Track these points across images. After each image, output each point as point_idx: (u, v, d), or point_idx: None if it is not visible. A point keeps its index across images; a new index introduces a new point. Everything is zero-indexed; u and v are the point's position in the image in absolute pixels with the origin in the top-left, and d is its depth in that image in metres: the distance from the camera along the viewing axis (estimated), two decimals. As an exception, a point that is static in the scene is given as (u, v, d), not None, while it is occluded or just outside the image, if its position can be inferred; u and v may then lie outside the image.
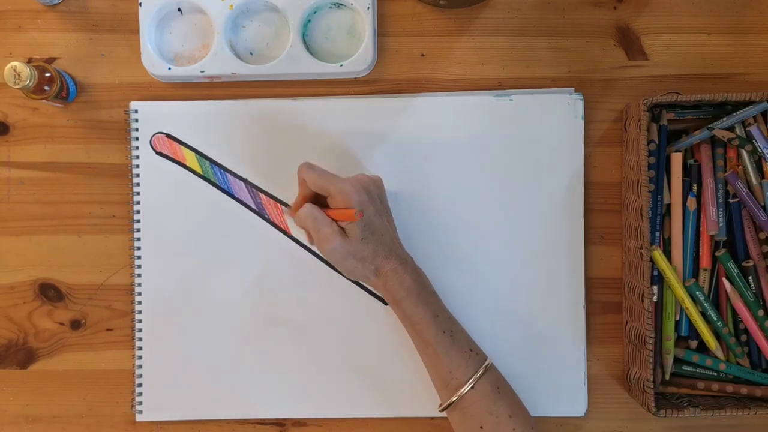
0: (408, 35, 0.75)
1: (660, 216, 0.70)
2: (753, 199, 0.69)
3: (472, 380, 0.65)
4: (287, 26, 0.74)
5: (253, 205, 0.75)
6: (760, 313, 0.69)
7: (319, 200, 0.68)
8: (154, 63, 0.74)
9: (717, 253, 0.70)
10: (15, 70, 0.67)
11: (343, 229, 0.66)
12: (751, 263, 0.70)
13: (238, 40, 0.75)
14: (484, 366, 0.66)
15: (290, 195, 0.74)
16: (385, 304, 0.74)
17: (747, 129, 0.69)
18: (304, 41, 0.74)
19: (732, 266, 0.70)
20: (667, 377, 0.71)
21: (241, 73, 0.74)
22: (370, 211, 0.66)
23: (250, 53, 0.75)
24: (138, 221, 0.74)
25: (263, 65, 0.74)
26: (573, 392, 0.74)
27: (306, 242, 0.74)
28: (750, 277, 0.70)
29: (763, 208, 0.69)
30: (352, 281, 0.74)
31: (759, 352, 0.71)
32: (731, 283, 0.70)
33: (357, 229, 0.65)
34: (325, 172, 0.67)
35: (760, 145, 0.68)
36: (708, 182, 0.70)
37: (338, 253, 0.66)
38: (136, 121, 0.75)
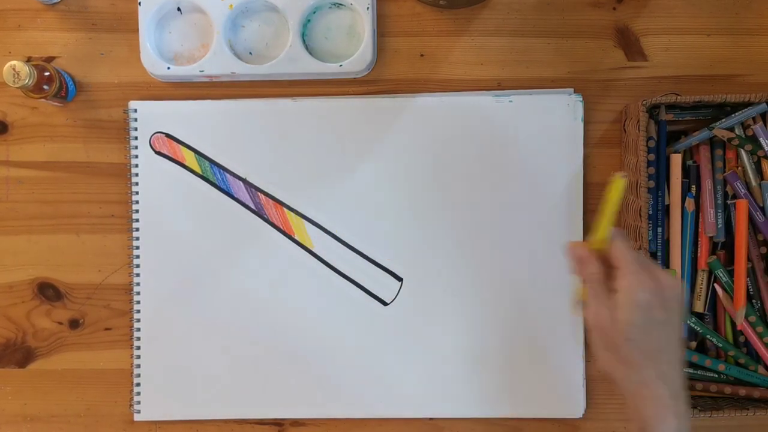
0: (408, 35, 0.75)
1: (661, 212, 0.70)
2: (752, 200, 0.69)
3: None
4: (287, 26, 0.74)
5: (252, 205, 0.74)
6: (752, 319, 0.70)
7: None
8: (154, 62, 0.74)
9: (708, 260, 0.70)
10: (14, 69, 0.66)
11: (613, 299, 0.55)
12: (749, 265, 0.70)
13: (238, 39, 0.75)
14: None
15: (290, 195, 0.74)
16: (385, 304, 0.74)
17: (751, 127, 0.69)
18: (304, 41, 0.74)
19: (722, 273, 0.70)
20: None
21: (240, 73, 0.74)
22: (659, 314, 0.55)
23: (250, 53, 0.75)
24: (137, 221, 0.74)
25: (263, 65, 0.74)
26: (571, 393, 0.74)
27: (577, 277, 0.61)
28: (748, 279, 0.70)
29: (762, 209, 0.69)
30: (352, 281, 0.74)
31: (758, 353, 0.71)
32: (723, 288, 0.70)
33: (632, 315, 0.54)
34: (638, 252, 0.57)
35: (766, 143, 0.68)
36: (706, 183, 0.70)
37: (602, 335, 0.55)
38: (136, 120, 0.74)
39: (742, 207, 0.69)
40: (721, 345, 0.71)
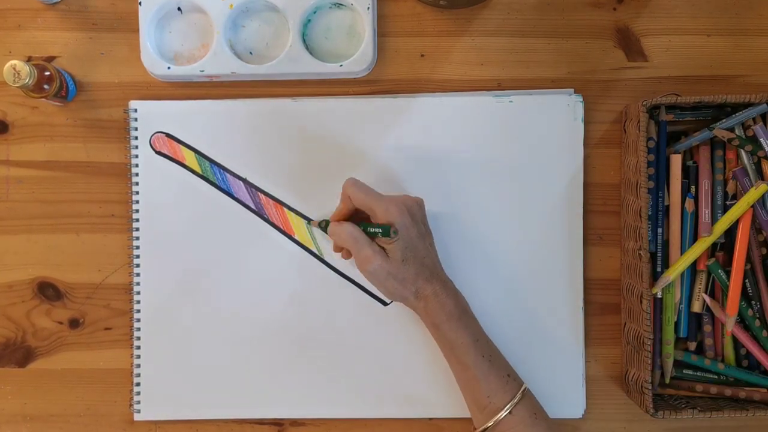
0: (408, 35, 0.75)
1: (661, 213, 0.70)
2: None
3: (509, 405, 0.65)
4: (287, 26, 0.74)
5: (252, 205, 0.74)
6: (757, 324, 0.70)
7: (357, 216, 0.69)
8: (154, 62, 0.74)
9: (707, 263, 0.70)
10: (14, 69, 0.66)
11: (383, 249, 0.66)
12: (747, 267, 0.70)
13: (238, 39, 0.75)
14: (521, 391, 0.66)
15: (290, 195, 0.74)
16: (385, 304, 0.74)
17: (751, 128, 0.69)
18: (304, 41, 0.74)
19: (721, 274, 0.70)
20: (667, 381, 0.71)
21: (240, 73, 0.74)
22: (413, 233, 0.66)
23: (250, 53, 0.75)
24: (137, 220, 0.74)
25: (263, 65, 0.74)
26: (571, 393, 0.74)
27: (334, 255, 0.74)
28: (747, 280, 0.70)
29: (764, 209, 0.69)
30: (350, 280, 0.74)
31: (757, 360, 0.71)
32: (723, 289, 0.70)
33: (398, 250, 0.65)
34: (371, 190, 0.67)
35: (766, 143, 0.68)
36: (703, 184, 0.70)
37: (379, 274, 0.65)
38: (136, 120, 0.74)
39: (745, 215, 0.69)
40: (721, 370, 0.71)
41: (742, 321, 0.71)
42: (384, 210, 0.65)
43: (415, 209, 0.67)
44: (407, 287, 0.66)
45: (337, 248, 0.72)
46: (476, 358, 0.66)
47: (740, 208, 0.68)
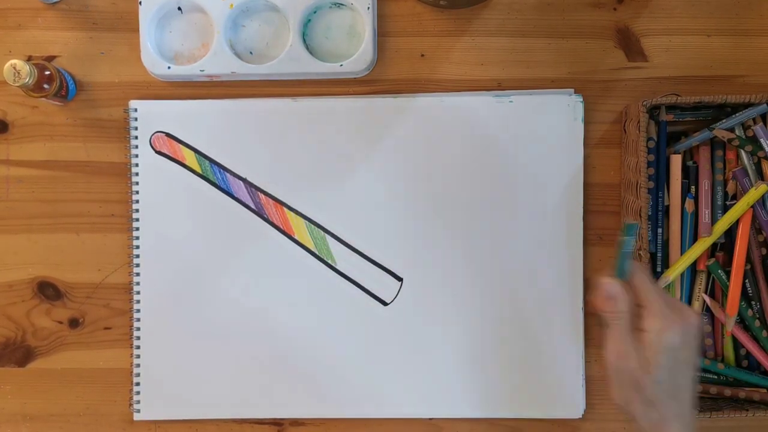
0: (408, 35, 0.75)
1: (661, 213, 0.70)
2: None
3: None
4: (287, 26, 0.74)
5: (252, 205, 0.74)
6: (757, 324, 0.70)
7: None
8: (154, 62, 0.74)
9: (707, 263, 0.70)
10: (14, 68, 0.66)
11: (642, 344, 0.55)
12: (747, 267, 0.70)
13: (238, 39, 0.75)
14: None
15: (290, 195, 0.74)
16: (385, 304, 0.74)
17: (751, 128, 0.69)
18: (304, 41, 0.74)
19: (721, 274, 0.70)
20: (666, 379, 0.71)
21: (240, 73, 0.74)
22: (685, 356, 0.55)
23: (250, 53, 0.75)
24: (137, 220, 0.74)
25: (263, 65, 0.74)
26: (571, 394, 0.74)
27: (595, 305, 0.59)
28: (747, 280, 0.70)
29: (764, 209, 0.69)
30: (352, 281, 0.74)
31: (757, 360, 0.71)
32: (722, 290, 0.70)
33: (662, 357, 0.54)
34: (657, 285, 0.57)
35: (766, 144, 0.68)
36: (703, 184, 0.70)
37: (623, 374, 0.55)
38: (136, 119, 0.74)
39: (745, 215, 0.69)
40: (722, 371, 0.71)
41: (741, 321, 0.71)
42: (662, 316, 0.54)
43: (696, 333, 0.56)
44: (644, 408, 0.55)
45: (606, 303, 0.57)
46: None
47: (740, 208, 0.68)
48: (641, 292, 0.55)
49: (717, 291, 0.71)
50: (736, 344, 0.71)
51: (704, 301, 0.71)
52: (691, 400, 0.56)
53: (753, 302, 0.70)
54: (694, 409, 0.56)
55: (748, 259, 0.70)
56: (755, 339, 0.70)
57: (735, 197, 0.70)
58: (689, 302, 0.71)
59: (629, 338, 0.55)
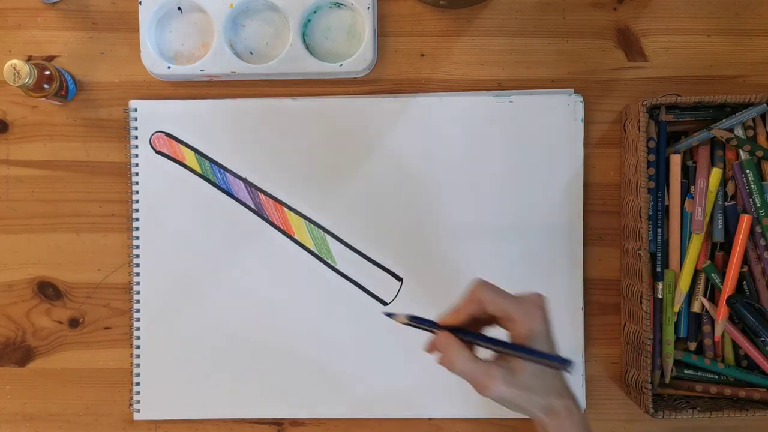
0: (408, 35, 0.75)
1: (661, 213, 0.70)
2: (750, 202, 0.69)
3: None
4: (287, 26, 0.74)
5: (252, 205, 0.74)
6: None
7: (473, 322, 0.59)
8: (154, 62, 0.74)
9: (703, 265, 0.70)
10: (14, 68, 0.66)
11: (505, 360, 0.57)
12: (745, 269, 0.70)
13: (238, 39, 0.75)
14: None
15: (290, 195, 0.74)
16: (385, 304, 0.74)
17: (752, 128, 0.69)
18: (304, 41, 0.74)
19: (715, 277, 0.70)
20: (667, 381, 0.71)
21: (240, 73, 0.74)
22: (550, 341, 0.58)
23: (250, 52, 0.75)
24: (137, 220, 0.74)
25: (263, 64, 0.74)
26: (571, 393, 0.74)
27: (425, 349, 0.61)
28: (744, 282, 0.70)
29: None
30: (352, 281, 0.74)
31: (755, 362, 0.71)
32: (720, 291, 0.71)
33: (532, 365, 0.56)
34: (505, 292, 0.58)
35: None
36: (700, 182, 0.70)
37: (505, 397, 0.56)
38: (136, 119, 0.74)
39: (744, 222, 0.69)
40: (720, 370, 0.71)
41: (740, 322, 0.70)
42: (523, 315, 0.56)
43: (545, 308, 0.58)
44: (535, 403, 0.57)
45: (432, 348, 0.60)
46: None
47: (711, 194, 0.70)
48: (496, 307, 0.57)
49: (716, 292, 0.71)
50: (736, 344, 0.71)
51: (706, 288, 0.71)
52: (563, 379, 0.59)
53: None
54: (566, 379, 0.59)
55: (746, 261, 0.70)
56: (752, 341, 0.70)
57: (734, 197, 0.70)
58: (689, 302, 0.71)
59: (481, 371, 0.56)
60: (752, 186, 0.69)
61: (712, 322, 0.71)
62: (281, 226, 0.75)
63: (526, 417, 0.58)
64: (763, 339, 0.69)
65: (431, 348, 0.59)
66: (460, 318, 0.58)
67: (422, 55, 0.75)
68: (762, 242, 0.69)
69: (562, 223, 0.74)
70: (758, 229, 0.69)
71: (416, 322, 0.59)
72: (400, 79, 0.75)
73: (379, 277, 0.74)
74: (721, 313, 0.70)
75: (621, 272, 0.75)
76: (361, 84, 0.75)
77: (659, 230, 0.70)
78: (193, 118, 0.74)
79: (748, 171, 0.69)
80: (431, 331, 0.59)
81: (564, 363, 0.56)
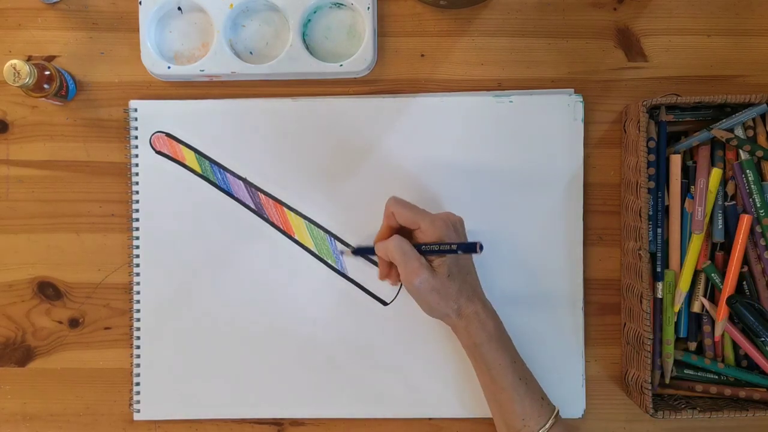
0: (408, 35, 0.75)
1: (661, 213, 0.70)
2: (749, 202, 0.69)
3: (544, 428, 0.65)
4: (287, 26, 0.74)
5: (252, 205, 0.74)
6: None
7: (402, 234, 0.68)
8: (154, 62, 0.74)
9: (703, 265, 0.70)
10: (14, 68, 0.66)
11: (430, 264, 0.65)
12: (744, 269, 0.70)
13: (238, 39, 0.75)
14: (554, 415, 0.66)
15: (290, 195, 0.74)
16: (385, 304, 0.74)
17: (752, 128, 0.69)
18: (304, 41, 0.74)
19: (715, 278, 0.70)
20: (667, 381, 0.71)
21: (240, 73, 0.74)
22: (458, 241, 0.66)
23: (250, 52, 0.75)
24: (137, 220, 0.74)
25: (263, 65, 0.74)
26: (571, 393, 0.74)
27: (379, 282, 0.73)
28: (744, 282, 0.70)
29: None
30: (352, 281, 0.74)
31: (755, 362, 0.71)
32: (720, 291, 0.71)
33: (445, 265, 0.65)
34: (415, 206, 0.67)
35: None
36: (700, 182, 0.70)
37: (424, 288, 0.65)
38: (136, 119, 0.74)
39: (744, 222, 0.69)
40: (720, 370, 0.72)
41: (740, 322, 0.70)
42: (430, 224, 0.65)
43: (458, 226, 0.68)
44: (449, 304, 0.66)
45: (384, 273, 0.70)
46: (513, 380, 0.66)
47: (711, 193, 0.70)
48: (405, 218, 0.66)
49: (716, 292, 0.71)
50: (736, 344, 0.71)
51: (706, 288, 0.71)
52: (477, 281, 0.69)
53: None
54: (478, 280, 0.69)
55: (746, 261, 0.70)
56: (752, 341, 0.70)
57: (734, 197, 0.70)
58: (689, 302, 0.71)
59: (415, 258, 0.64)
60: (752, 186, 0.69)
61: (712, 322, 0.71)
62: (281, 226, 0.75)
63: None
64: (763, 339, 0.69)
65: (379, 252, 0.68)
66: (385, 233, 0.68)
67: (422, 55, 0.75)
68: (762, 242, 0.69)
69: (562, 222, 0.74)
70: (758, 229, 0.69)
71: (361, 251, 0.72)
72: (400, 79, 0.75)
73: (379, 277, 0.74)
74: (721, 313, 0.70)
75: (621, 272, 0.75)
76: (361, 84, 0.75)
77: (659, 230, 0.70)
78: (193, 118, 0.74)
79: (748, 171, 0.69)
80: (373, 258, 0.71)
81: (471, 246, 0.62)
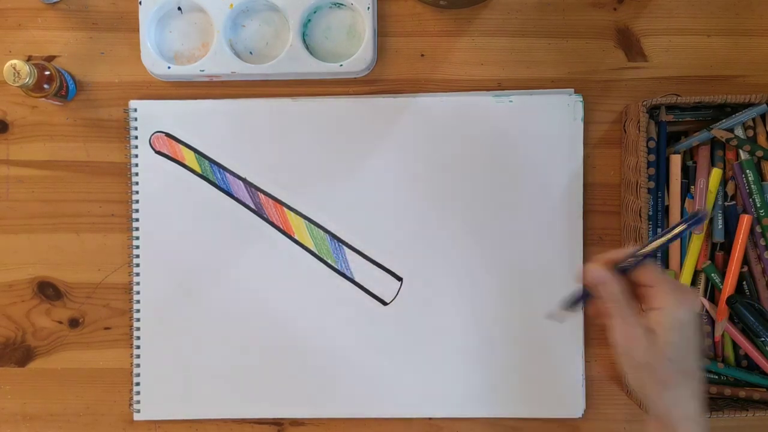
0: (408, 35, 0.75)
1: (661, 213, 0.70)
2: (749, 201, 0.69)
3: None
4: (287, 26, 0.74)
5: (251, 205, 0.74)
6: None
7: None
8: (154, 62, 0.74)
9: (703, 265, 0.70)
10: (14, 68, 0.66)
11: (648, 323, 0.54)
12: (744, 269, 0.70)
13: (238, 39, 0.75)
14: None
15: (289, 195, 0.74)
16: (385, 304, 0.74)
17: (752, 128, 0.69)
18: (304, 41, 0.74)
19: (715, 278, 0.70)
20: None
21: (240, 73, 0.74)
22: (692, 332, 0.54)
23: (250, 52, 0.75)
24: (137, 220, 0.74)
25: (263, 64, 0.74)
26: (571, 393, 0.74)
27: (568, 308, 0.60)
28: (744, 282, 0.70)
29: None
30: (352, 281, 0.74)
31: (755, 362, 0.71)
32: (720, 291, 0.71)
33: (673, 335, 0.53)
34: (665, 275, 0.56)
35: None
36: (700, 182, 0.70)
37: (636, 357, 0.54)
38: (136, 119, 0.74)
39: (744, 222, 0.69)
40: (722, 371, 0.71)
41: (740, 322, 0.70)
42: (674, 288, 0.54)
43: (696, 305, 0.57)
44: (658, 389, 0.54)
45: (595, 311, 0.58)
46: None
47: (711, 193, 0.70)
48: (648, 273, 0.55)
49: (716, 292, 0.71)
50: (736, 344, 0.71)
51: (705, 297, 0.71)
52: (702, 380, 0.55)
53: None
54: (703, 391, 0.56)
55: (746, 261, 0.70)
56: (752, 341, 0.70)
57: (734, 198, 0.70)
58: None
59: (634, 320, 0.54)
60: (752, 186, 0.69)
61: (712, 322, 0.71)
62: (281, 226, 0.75)
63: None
64: (763, 339, 0.69)
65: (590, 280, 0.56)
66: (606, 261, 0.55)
67: (422, 55, 0.75)
68: (762, 242, 0.69)
69: (562, 222, 0.74)
70: (758, 229, 0.69)
71: (572, 304, 0.59)
72: (400, 79, 0.75)
73: (379, 277, 0.74)
74: (721, 313, 0.70)
75: (621, 272, 0.75)
76: (361, 84, 0.75)
77: (659, 230, 0.70)
78: (193, 118, 0.74)
79: (748, 171, 0.69)
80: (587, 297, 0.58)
81: (696, 216, 0.53)
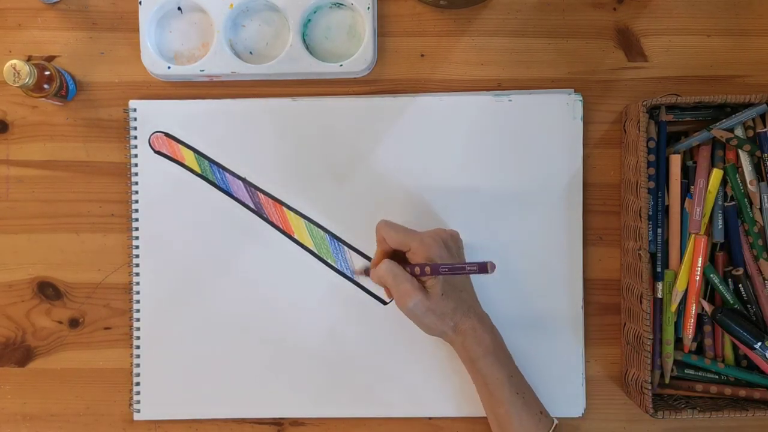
0: (408, 35, 0.75)
1: (661, 213, 0.70)
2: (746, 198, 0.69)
3: None
4: (287, 26, 0.74)
5: (251, 205, 0.74)
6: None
7: (396, 256, 0.68)
8: (154, 62, 0.74)
9: (703, 266, 0.70)
10: (14, 68, 0.66)
11: (423, 284, 0.65)
12: (740, 271, 0.70)
13: (238, 39, 0.75)
14: (552, 428, 0.67)
15: (289, 195, 0.74)
16: (385, 303, 0.74)
17: (758, 134, 0.69)
18: (304, 41, 0.74)
19: (714, 278, 0.70)
20: (667, 381, 0.71)
21: (240, 73, 0.74)
22: (454, 260, 0.66)
23: (250, 52, 0.75)
24: (136, 220, 0.74)
25: (263, 64, 0.74)
26: (571, 393, 0.74)
27: (385, 297, 0.74)
28: (740, 284, 0.70)
29: (760, 210, 0.69)
30: (350, 279, 0.74)
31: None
32: (720, 293, 0.70)
33: (438, 284, 0.65)
34: (404, 227, 0.67)
35: None
36: (699, 182, 0.70)
37: (419, 309, 0.65)
38: (135, 119, 0.74)
39: (699, 244, 0.69)
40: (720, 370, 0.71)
41: (730, 335, 0.70)
42: (419, 244, 0.65)
43: (450, 242, 0.67)
44: (446, 322, 0.66)
45: (389, 295, 0.71)
46: (510, 395, 0.66)
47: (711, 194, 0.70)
48: (396, 241, 0.66)
49: (716, 292, 0.71)
50: (736, 344, 0.71)
51: (706, 288, 0.71)
52: (472, 291, 0.69)
53: (749, 305, 0.70)
54: (475, 296, 0.69)
55: (744, 261, 0.70)
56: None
57: (733, 198, 0.70)
58: (685, 302, 0.71)
59: (404, 280, 0.64)
60: (741, 201, 0.69)
61: (712, 323, 0.71)
62: (281, 226, 0.75)
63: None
64: (755, 348, 0.68)
65: (373, 278, 0.68)
66: (380, 258, 0.67)
67: (422, 55, 0.75)
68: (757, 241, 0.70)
69: (562, 222, 0.74)
70: (756, 229, 0.69)
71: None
72: (400, 79, 0.75)
73: (379, 277, 0.74)
74: (689, 331, 0.70)
75: (621, 272, 0.75)
76: (361, 84, 0.75)
77: (659, 230, 0.70)
78: (192, 118, 0.74)
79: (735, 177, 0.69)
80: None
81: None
